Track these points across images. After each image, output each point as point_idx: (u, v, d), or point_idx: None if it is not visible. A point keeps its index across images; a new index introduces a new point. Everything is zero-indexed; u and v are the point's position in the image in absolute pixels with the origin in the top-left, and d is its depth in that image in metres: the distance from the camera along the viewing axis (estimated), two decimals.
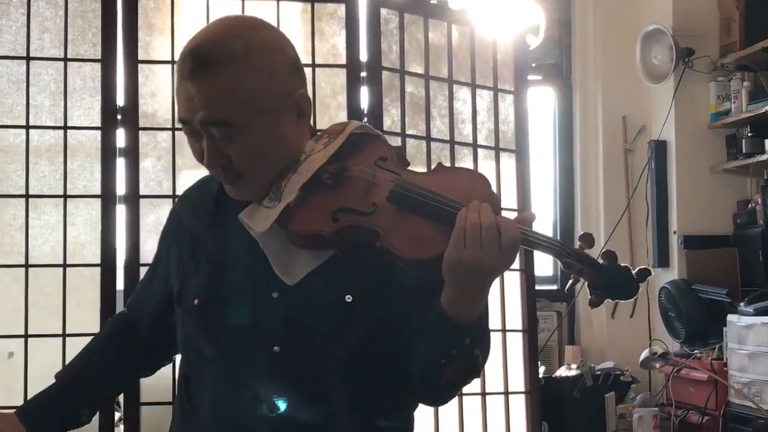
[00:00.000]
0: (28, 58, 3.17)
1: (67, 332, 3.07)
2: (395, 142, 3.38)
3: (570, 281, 1.49)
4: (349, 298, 1.55)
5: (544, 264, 5.38)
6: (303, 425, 1.55)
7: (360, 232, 1.52)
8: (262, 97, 1.52)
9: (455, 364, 1.50)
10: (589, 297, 1.47)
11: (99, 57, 3.19)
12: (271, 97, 1.53)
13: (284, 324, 1.55)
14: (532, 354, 3.56)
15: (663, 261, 5.02)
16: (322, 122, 3.31)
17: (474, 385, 3.42)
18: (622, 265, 1.46)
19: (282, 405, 1.54)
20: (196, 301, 1.60)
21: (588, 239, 1.48)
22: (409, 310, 1.57)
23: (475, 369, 1.55)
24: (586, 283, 1.47)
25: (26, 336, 3.08)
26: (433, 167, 1.64)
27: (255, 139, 1.53)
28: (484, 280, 1.45)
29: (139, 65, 3.22)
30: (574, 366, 4.70)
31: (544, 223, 5.44)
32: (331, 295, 1.55)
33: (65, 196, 3.14)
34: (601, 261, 1.47)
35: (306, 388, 1.56)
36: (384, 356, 1.58)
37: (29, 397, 2.97)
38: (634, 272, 1.46)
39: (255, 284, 1.57)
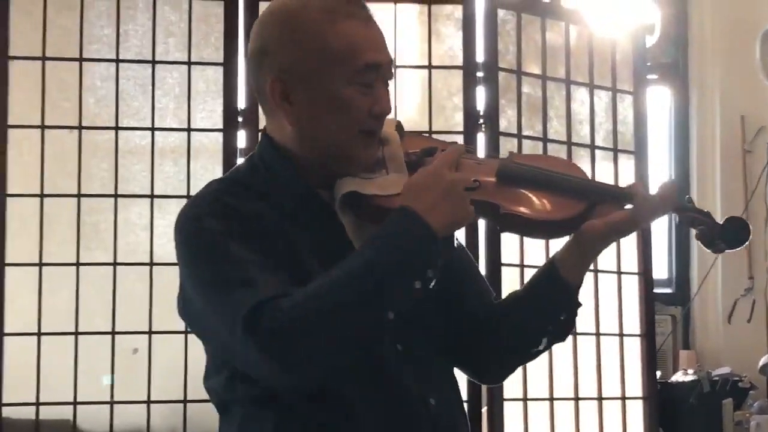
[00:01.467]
0: (153, 62, 3.25)
1: (189, 329, 3.14)
2: (511, 143, 3.37)
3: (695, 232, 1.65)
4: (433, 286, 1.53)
5: (660, 267, 5.29)
6: (446, 415, 1.58)
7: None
8: None
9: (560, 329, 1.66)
10: (713, 248, 1.62)
11: (221, 60, 3.25)
12: None
13: (394, 320, 1.48)
14: (650, 359, 3.51)
15: None
16: (438, 124, 3.33)
17: (591, 390, 3.39)
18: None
19: (432, 401, 1.55)
20: None
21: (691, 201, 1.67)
22: (478, 295, 1.70)
23: (567, 335, 1.68)
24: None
25: (150, 332, 3.16)
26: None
27: None
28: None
29: None
30: (690, 371, 4.62)
31: (659, 226, 5.34)
32: None
33: (188, 197, 3.19)
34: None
35: (432, 379, 1.58)
36: (466, 339, 1.66)
37: (152, 392, 3.10)
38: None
39: None
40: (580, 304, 1.65)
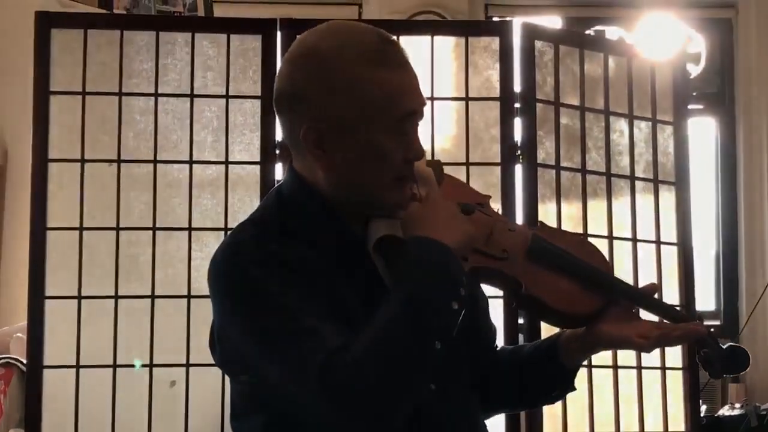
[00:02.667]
0: (191, 96, 3.28)
1: (225, 374, 3.14)
2: (549, 174, 3.34)
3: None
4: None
5: (706, 299, 5.22)
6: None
7: (494, 276, 1.58)
8: None
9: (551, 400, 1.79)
10: (710, 370, 1.67)
11: (259, 94, 3.26)
12: None
13: None
14: (693, 393, 3.44)
15: None
16: (475, 155, 3.31)
17: (632, 424, 3.34)
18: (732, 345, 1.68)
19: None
20: None
21: (702, 317, 1.73)
22: (487, 333, 1.76)
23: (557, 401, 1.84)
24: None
25: (188, 365, 3.16)
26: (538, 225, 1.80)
27: None
28: None
29: None
30: (738, 405, 4.54)
31: (706, 259, 5.27)
32: None
33: (226, 229, 3.22)
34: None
35: (468, 418, 1.61)
36: (480, 372, 1.71)
37: (190, 425, 3.10)
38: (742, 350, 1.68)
39: None
40: (574, 388, 1.74)
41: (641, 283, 3.35)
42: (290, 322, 1.41)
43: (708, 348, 1.64)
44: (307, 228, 1.53)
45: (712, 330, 1.67)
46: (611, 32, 5.38)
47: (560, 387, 1.73)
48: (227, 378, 3.09)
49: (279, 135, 3.27)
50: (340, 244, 1.54)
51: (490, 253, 1.57)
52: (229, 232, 1.59)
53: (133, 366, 3.14)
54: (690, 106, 4.31)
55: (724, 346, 1.66)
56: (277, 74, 1.59)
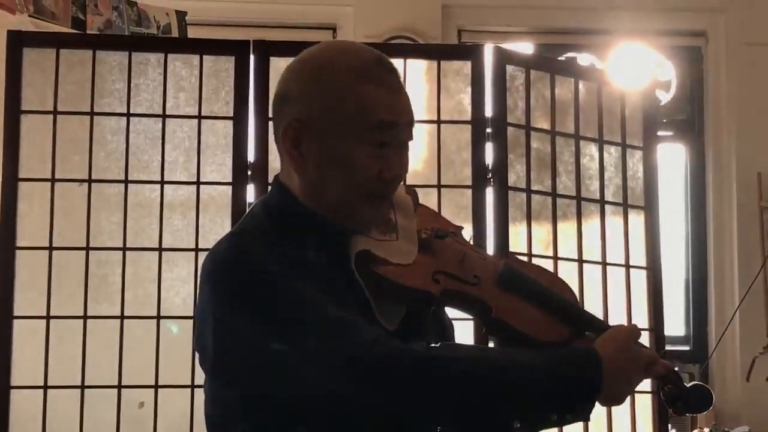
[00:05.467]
0: (164, 116, 3.27)
1: (195, 383, 3.13)
2: (520, 198, 3.36)
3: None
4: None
5: (676, 324, 5.25)
6: None
7: (465, 300, 1.60)
8: None
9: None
10: (673, 407, 1.66)
11: (231, 114, 3.27)
12: None
13: None
14: (662, 416, 3.46)
15: None
16: (446, 178, 3.33)
17: None
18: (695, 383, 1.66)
19: None
20: None
21: (666, 353, 1.71)
22: None
23: None
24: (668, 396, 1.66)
25: (156, 386, 3.15)
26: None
27: None
28: None
29: (270, 122, 3.29)
30: (707, 430, 4.56)
31: (675, 284, 5.30)
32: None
33: (197, 250, 3.21)
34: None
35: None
36: None
37: None
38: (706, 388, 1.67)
39: None
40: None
41: (610, 307, 3.43)
42: (318, 311, 1.44)
43: (672, 385, 1.65)
44: (298, 234, 1.54)
45: (676, 368, 1.69)
46: (582, 59, 5.43)
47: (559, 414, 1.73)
48: (196, 399, 3.09)
49: (251, 156, 3.27)
50: (331, 252, 1.55)
51: (462, 277, 1.60)
52: (218, 239, 1.58)
53: (103, 387, 3.12)
54: (660, 133, 4.36)
55: (688, 385, 1.66)
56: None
